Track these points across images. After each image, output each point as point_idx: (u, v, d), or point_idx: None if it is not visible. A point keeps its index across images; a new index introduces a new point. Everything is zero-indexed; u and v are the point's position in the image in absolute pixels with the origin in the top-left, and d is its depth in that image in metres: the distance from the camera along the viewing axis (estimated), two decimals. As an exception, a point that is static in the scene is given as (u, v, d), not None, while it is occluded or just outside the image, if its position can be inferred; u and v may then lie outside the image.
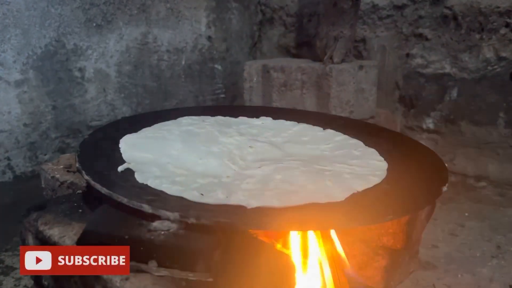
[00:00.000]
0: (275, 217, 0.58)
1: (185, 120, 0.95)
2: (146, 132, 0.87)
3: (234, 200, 0.61)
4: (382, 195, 0.67)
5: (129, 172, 0.70)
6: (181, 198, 0.62)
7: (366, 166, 0.77)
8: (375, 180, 0.70)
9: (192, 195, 0.62)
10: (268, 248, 0.60)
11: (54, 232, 0.65)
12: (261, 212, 0.59)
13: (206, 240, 0.56)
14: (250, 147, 0.82)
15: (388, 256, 0.88)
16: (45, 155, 1.49)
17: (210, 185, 0.66)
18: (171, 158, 0.74)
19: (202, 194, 0.62)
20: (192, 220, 0.56)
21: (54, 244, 0.64)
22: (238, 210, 0.59)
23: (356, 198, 0.65)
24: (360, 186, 0.67)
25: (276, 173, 0.70)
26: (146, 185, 0.66)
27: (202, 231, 0.57)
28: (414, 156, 0.84)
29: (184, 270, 0.55)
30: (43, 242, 0.67)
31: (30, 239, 0.70)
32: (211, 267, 0.55)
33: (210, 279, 0.54)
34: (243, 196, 0.61)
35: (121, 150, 0.78)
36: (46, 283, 0.70)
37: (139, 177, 0.67)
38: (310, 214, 0.60)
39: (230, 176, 0.70)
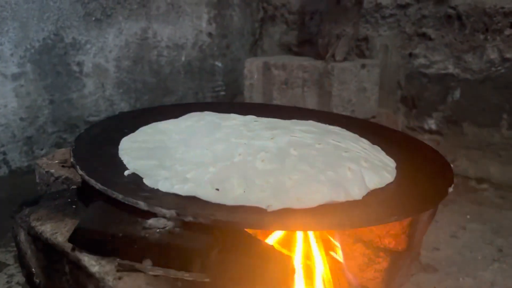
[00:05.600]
0: (277, 216, 0.56)
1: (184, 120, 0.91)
2: (144, 135, 0.81)
3: (253, 199, 0.57)
4: (388, 195, 0.66)
5: (127, 168, 0.68)
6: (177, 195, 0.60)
7: (378, 158, 0.75)
8: (388, 177, 0.68)
9: (206, 193, 0.58)
10: (267, 249, 0.58)
11: (46, 228, 0.63)
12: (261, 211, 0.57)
13: (203, 239, 0.54)
14: (256, 121, 0.79)
15: (389, 258, 0.86)
16: (42, 150, 1.47)
17: (223, 171, 0.62)
18: (177, 160, 0.69)
19: (217, 189, 0.59)
20: (189, 218, 0.54)
21: (46, 240, 0.62)
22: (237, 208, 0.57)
23: (370, 197, 0.64)
24: (376, 183, 0.66)
25: (291, 147, 0.67)
26: (142, 181, 0.64)
27: (199, 230, 0.55)
28: (419, 156, 0.83)
29: (179, 270, 0.53)
30: (35, 238, 0.65)
31: (22, 235, 0.68)
32: (208, 267, 0.53)
33: (207, 279, 0.52)
34: (261, 191, 0.58)
35: (124, 161, 0.72)
36: (37, 280, 0.68)
37: (148, 182, 0.63)
38: (319, 214, 0.58)
39: (241, 153, 0.67)
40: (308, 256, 0.77)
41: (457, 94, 1.55)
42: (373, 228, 0.85)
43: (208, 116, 0.86)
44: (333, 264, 0.81)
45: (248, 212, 0.57)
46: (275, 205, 0.57)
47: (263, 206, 0.57)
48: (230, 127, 0.77)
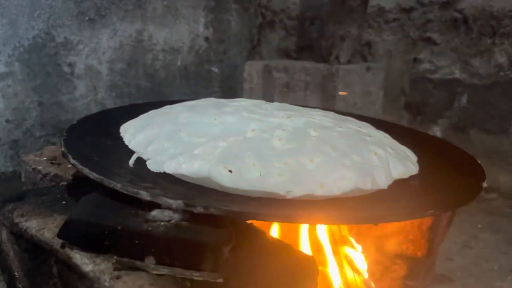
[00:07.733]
0: (304, 207, 0.49)
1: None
2: (145, 115, 0.74)
3: (271, 183, 0.50)
4: (416, 187, 0.60)
5: (126, 159, 0.60)
6: (185, 183, 0.52)
7: (400, 148, 0.68)
8: (413, 169, 0.62)
9: (218, 175, 0.51)
10: (288, 247, 0.51)
11: (31, 224, 0.55)
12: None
13: (215, 233, 0.47)
14: (267, 103, 0.72)
15: (407, 266, 0.80)
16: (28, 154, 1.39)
17: (235, 147, 0.54)
18: (181, 125, 0.62)
19: (230, 171, 0.51)
20: (198, 209, 0.46)
21: (31, 237, 0.54)
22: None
23: (396, 188, 0.58)
24: (401, 173, 0.59)
25: (309, 128, 0.60)
26: (143, 170, 0.56)
27: (210, 222, 0.47)
28: (441, 152, 0.77)
29: (188, 269, 0.46)
30: (18, 236, 0.56)
31: (4, 234, 0.60)
32: (221, 265, 0.46)
33: (220, 280, 0.45)
34: (279, 175, 0.50)
35: (126, 140, 0.66)
36: (20, 286, 0.59)
37: (152, 166, 0.56)
38: (351, 205, 0.52)
39: (255, 129, 0.59)
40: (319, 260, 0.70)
41: (463, 100, 1.50)
42: (390, 234, 0.79)
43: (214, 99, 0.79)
44: (353, 270, 0.74)
45: (266, 201, 0.49)
46: (296, 191, 0.49)
47: (282, 192, 0.49)
48: (239, 106, 0.70)
